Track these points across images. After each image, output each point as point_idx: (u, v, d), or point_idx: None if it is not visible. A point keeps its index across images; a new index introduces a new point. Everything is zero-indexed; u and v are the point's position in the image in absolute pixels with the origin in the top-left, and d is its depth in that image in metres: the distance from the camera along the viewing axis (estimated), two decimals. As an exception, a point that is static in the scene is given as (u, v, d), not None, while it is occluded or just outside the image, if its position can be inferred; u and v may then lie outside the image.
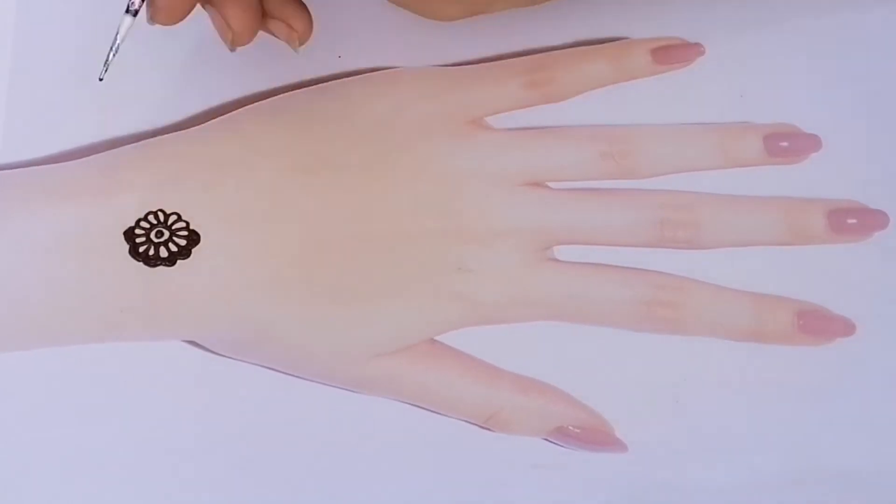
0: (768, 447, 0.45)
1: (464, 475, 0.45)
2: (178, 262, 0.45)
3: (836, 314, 0.46)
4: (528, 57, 0.50)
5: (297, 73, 0.49)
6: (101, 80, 0.43)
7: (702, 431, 0.45)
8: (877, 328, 0.46)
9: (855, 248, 0.47)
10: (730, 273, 0.46)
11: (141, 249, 0.45)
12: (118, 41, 0.42)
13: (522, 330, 0.46)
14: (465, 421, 0.45)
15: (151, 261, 0.45)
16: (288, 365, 0.45)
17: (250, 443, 0.45)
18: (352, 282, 0.45)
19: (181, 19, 0.43)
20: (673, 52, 0.49)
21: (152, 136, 0.47)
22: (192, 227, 0.45)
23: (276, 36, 0.46)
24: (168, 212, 0.45)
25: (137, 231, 0.45)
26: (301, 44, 0.46)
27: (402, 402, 0.45)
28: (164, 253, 0.45)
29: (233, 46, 0.45)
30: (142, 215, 0.45)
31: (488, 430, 0.45)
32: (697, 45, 0.49)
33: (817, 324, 0.46)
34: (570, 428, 0.45)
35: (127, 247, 0.45)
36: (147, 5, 0.42)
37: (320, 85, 0.49)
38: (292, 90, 0.49)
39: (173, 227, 0.45)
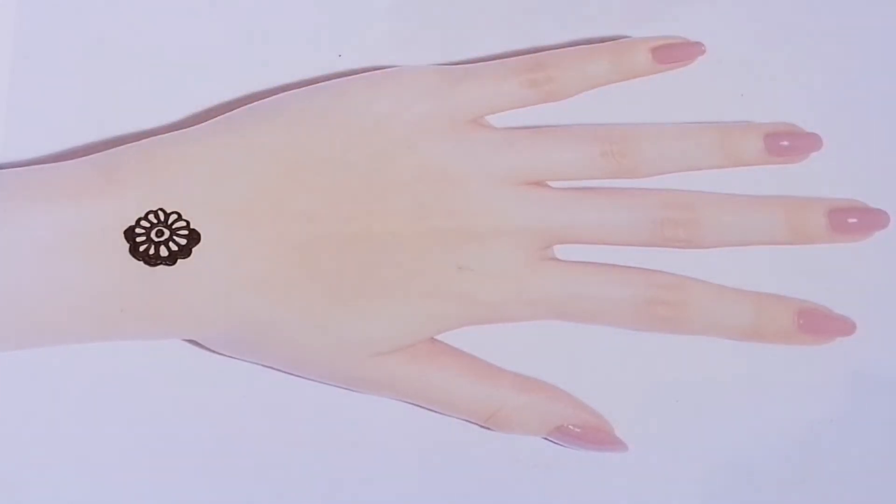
0: (768, 447, 0.45)
1: (464, 475, 0.45)
2: (179, 261, 0.45)
3: (836, 314, 0.46)
4: (528, 56, 0.50)
5: (297, 73, 0.49)
6: None
7: (702, 431, 0.45)
8: (877, 328, 0.46)
9: (855, 248, 0.47)
10: (730, 273, 0.46)
11: (141, 248, 0.45)
12: None
13: (522, 329, 0.46)
14: (465, 420, 0.45)
15: (152, 260, 0.45)
16: (288, 364, 0.45)
17: (250, 442, 0.45)
18: (351, 281, 0.45)
19: None
20: (673, 51, 0.49)
21: (152, 136, 0.47)
22: (192, 226, 0.45)
23: None
24: (168, 211, 0.45)
25: (138, 230, 0.45)
26: None
27: (402, 401, 0.45)
28: (164, 252, 0.45)
29: None
30: (142, 214, 0.45)
31: (488, 429, 0.45)
32: (698, 44, 0.49)
33: (817, 323, 0.46)
34: (571, 427, 0.45)
35: (127, 246, 0.45)
36: None
37: (320, 84, 0.49)
38: (292, 90, 0.49)
39: (174, 227, 0.45)
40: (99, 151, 0.47)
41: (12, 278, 0.44)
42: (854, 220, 0.47)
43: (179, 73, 0.49)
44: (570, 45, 0.50)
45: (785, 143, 0.48)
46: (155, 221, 0.45)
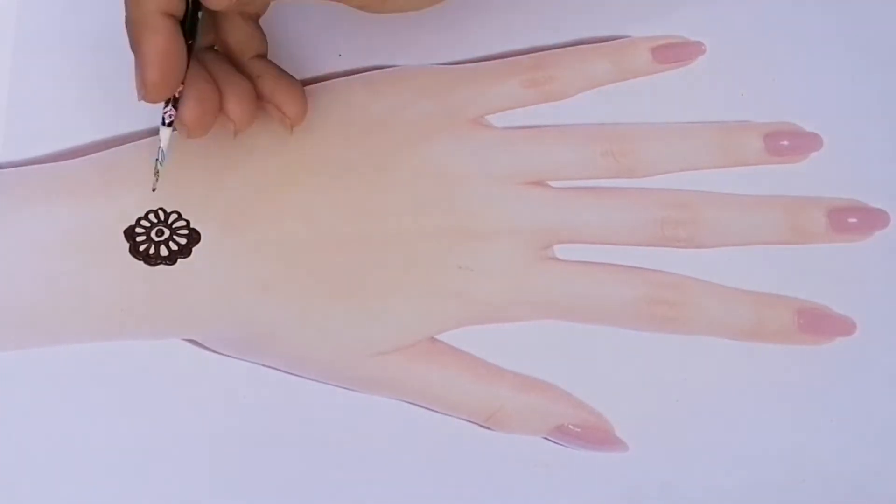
0: (768, 447, 0.45)
1: (464, 475, 0.45)
2: (179, 260, 0.45)
3: (837, 313, 0.46)
4: (529, 56, 0.50)
5: (298, 73, 0.48)
6: (154, 190, 0.44)
7: (702, 431, 0.45)
8: (877, 328, 0.46)
9: (855, 248, 0.47)
10: (730, 271, 0.46)
11: (141, 248, 0.45)
12: (163, 151, 0.43)
13: (522, 329, 0.46)
14: (466, 420, 0.45)
15: (152, 259, 0.45)
16: (288, 364, 0.45)
17: (251, 441, 0.45)
18: (352, 281, 0.45)
19: (208, 131, 0.43)
20: (673, 51, 0.49)
21: (152, 135, 0.47)
22: (192, 225, 0.45)
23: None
24: (168, 210, 0.45)
25: (138, 230, 0.45)
26: (294, 126, 0.46)
27: (402, 401, 0.45)
28: (164, 252, 0.45)
29: (235, 135, 0.45)
30: (142, 214, 0.45)
31: (488, 429, 0.45)
32: (698, 43, 0.49)
33: (817, 323, 0.46)
34: (571, 427, 0.45)
35: (127, 245, 0.45)
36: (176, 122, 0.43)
37: (320, 84, 0.49)
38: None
39: (174, 226, 0.45)
40: (99, 150, 0.47)
41: (12, 278, 0.44)
42: (854, 220, 0.47)
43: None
44: (571, 45, 0.50)
45: (785, 142, 0.48)
46: (155, 221, 0.45)
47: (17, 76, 0.49)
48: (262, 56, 0.45)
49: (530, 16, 0.50)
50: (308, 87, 0.49)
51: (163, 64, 0.40)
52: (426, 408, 0.45)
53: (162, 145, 0.43)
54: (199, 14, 0.41)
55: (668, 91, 0.49)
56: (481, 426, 0.45)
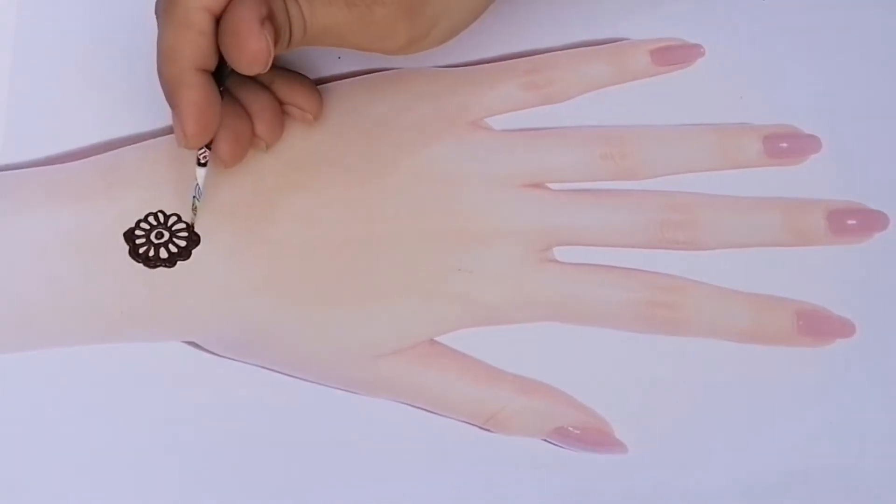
0: (768, 447, 0.45)
1: (464, 475, 0.44)
2: (179, 263, 0.45)
3: (836, 315, 0.46)
4: (528, 58, 0.50)
5: (298, 74, 0.49)
6: (191, 224, 0.45)
7: (702, 432, 0.45)
8: (877, 328, 0.46)
9: (855, 248, 0.47)
10: (730, 273, 0.46)
11: (141, 250, 0.45)
12: (199, 188, 0.44)
13: (522, 330, 0.46)
14: (465, 422, 0.45)
15: (151, 262, 0.45)
16: (288, 366, 0.45)
17: (250, 443, 0.44)
18: (352, 283, 0.45)
19: (241, 160, 0.45)
20: (672, 53, 0.49)
21: (152, 137, 0.48)
22: (192, 228, 0.45)
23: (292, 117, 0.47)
24: (168, 213, 0.45)
25: (138, 232, 0.45)
26: (315, 119, 0.47)
27: (402, 403, 0.45)
28: (164, 254, 0.45)
29: (266, 150, 0.46)
30: (142, 216, 0.45)
31: (488, 431, 0.45)
32: (697, 45, 0.50)
33: (817, 324, 0.46)
34: (570, 429, 0.45)
35: (127, 248, 0.45)
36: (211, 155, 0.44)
37: (320, 86, 0.49)
38: (292, 91, 0.49)
39: (173, 229, 0.45)
40: (99, 152, 0.47)
41: (12, 279, 0.44)
42: (853, 222, 0.47)
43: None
44: (570, 48, 0.50)
45: (784, 144, 0.48)
46: (155, 223, 0.45)
47: (17, 77, 0.49)
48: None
49: (530, 18, 0.50)
50: (308, 90, 0.49)
51: (200, 116, 0.41)
52: (426, 410, 0.45)
53: (199, 183, 0.44)
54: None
55: (667, 93, 0.49)
56: (481, 428, 0.45)
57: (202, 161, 0.44)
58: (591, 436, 0.45)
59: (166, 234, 0.45)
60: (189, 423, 0.45)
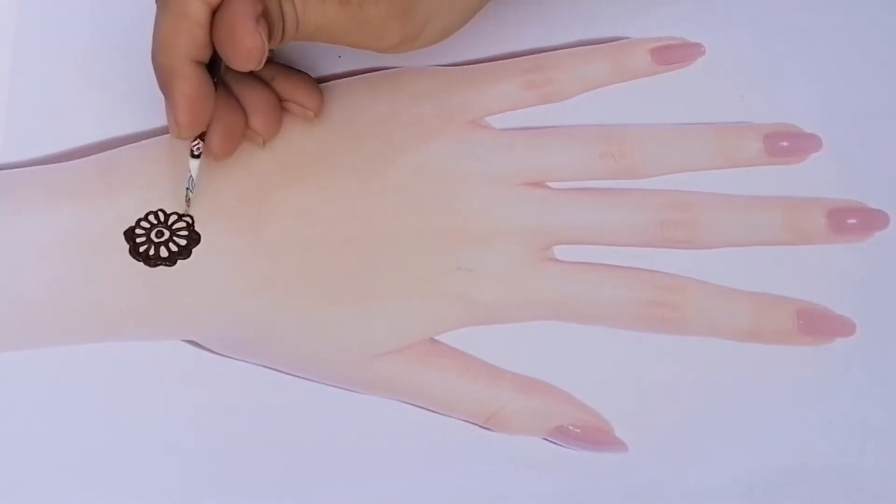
0: (768, 447, 0.45)
1: (464, 475, 0.44)
2: (179, 262, 0.45)
3: (836, 314, 0.46)
4: (528, 57, 0.50)
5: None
6: (185, 215, 0.46)
7: (702, 431, 0.45)
8: (877, 328, 0.46)
9: (855, 248, 0.47)
10: (730, 272, 0.46)
11: (141, 249, 0.45)
12: (193, 180, 0.45)
13: (522, 329, 0.46)
14: (465, 421, 0.45)
15: (152, 261, 0.45)
16: (288, 365, 0.45)
17: (250, 442, 0.45)
18: (351, 282, 0.45)
19: (232, 153, 0.45)
20: (673, 52, 0.49)
21: (151, 136, 0.47)
22: (192, 226, 0.45)
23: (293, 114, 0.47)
24: (168, 212, 0.45)
25: (138, 231, 0.45)
26: (316, 115, 0.47)
27: (402, 402, 0.45)
28: (164, 253, 0.45)
29: (263, 146, 0.46)
30: (142, 215, 0.45)
31: (488, 430, 0.45)
32: (697, 44, 0.49)
33: (817, 324, 0.46)
34: (571, 427, 0.45)
35: (127, 247, 0.45)
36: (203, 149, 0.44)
37: (320, 85, 0.49)
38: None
39: (174, 227, 0.45)
40: (98, 151, 0.47)
41: (12, 279, 0.44)
42: (853, 221, 0.47)
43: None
44: (570, 47, 0.50)
45: (784, 143, 0.48)
46: (155, 222, 0.45)
47: (17, 76, 0.49)
48: (270, 60, 0.46)
49: (530, 17, 0.50)
50: (308, 89, 0.49)
51: (193, 106, 0.42)
52: (426, 409, 0.45)
53: (192, 174, 0.44)
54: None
55: (667, 92, 0.49)
56: (481, 427, 0.45)
57: (196, 153, 0.44)
58: (591, 435, 0.45)
59: (167, 233, 0.45)
60: (189, 423, 0.45)
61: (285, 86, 0.46)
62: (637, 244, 0.47)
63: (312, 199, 0.46)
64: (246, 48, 0.40)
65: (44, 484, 0.44)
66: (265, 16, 0.41)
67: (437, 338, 0.46)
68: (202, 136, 0.44)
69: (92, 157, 0.47)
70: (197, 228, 0.45)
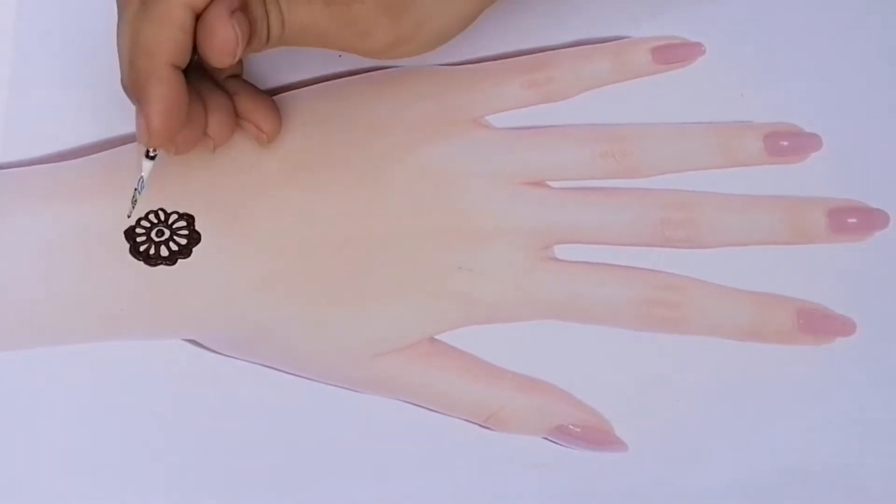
0: (768, 446, 0.45)
1: (464, 475, 0.45)
2: (179, 261, 0.45)
3: (836, 314, 0.46)
4: (529, 56, 0.50)
5: (297, 74, 0.49)
6: (129, 216, 0.44)
7: (702, 431, 0.45)
8: (877, 327, 0.46)
9: (855, 247, 0.47)
10: (730, 272, 0.46)
11: (141, 248, 0.45)
12: (143, 181, 0.43)
13: (523, 328, 0.46)
14: (465, 420, 0.45)
15: (152, 260, 0.45)
16: (288, 364, 0.45)
17: (250, 442, 0.45)
18: (352, 281, 0.45)
19: (191, 150, 0.44)
20: (673, 52, 0.49)
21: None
22: (192, 225, 0.45)
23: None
24: (169, 211, 0.46)
25: (138, 230, 0.45)
26: (269, 140, 0.46)
27: (402, 401, 0.45)
28: (164, 252, 0.45)
29: (214, 150, 0.45)
30: (142, 214, 0.45)
31: (488, 429, 0.45)
32: (698, 44, 0.49)
33: (817, 323, 0.46)
34: (571, 427, 0.45)
35: (127, 246, 0.45)
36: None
37: (320, 84, 0.49)
38: (292, 90, 0.49)
39: (174, 227, 0.45)
40: (99, 151, 0.47)
41: (13, 279, 0.44)
42: (854, 221, 0.47)
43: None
44: (571, 46, 0.50)
45: (784, 143, 0.48)
46: (155, 221, 0.45)
47: (17, 76, 0.49)
48: (237, 76, 0.46)
49: (530, 16, 0.50)
50: (308, 88, 0.49)
51: (169, 114, 0.41)
52: (426, 408, 0.45)
53: (143, 175, 0.43)
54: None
55: (667, 92, 0.49)
56: (481, 426, 0.45)
57: (151, 154, 0.43)
58: (591, 434, 0.45)
59: (167, 232, 0.45)
60: (189, 422, 0.45)
61: (246, 104, 0.45)
62: (638, 243, 0.47)
63: (313, 199, 0.46)
64: (219, 40, 0.40)
65: (44, 484, 0.44)
66: (245, 12, 0.40)
67: (437, 337, 0.46)
68: None
69: (92, 156, 0.47)
70: (197, 228, 0.45)
